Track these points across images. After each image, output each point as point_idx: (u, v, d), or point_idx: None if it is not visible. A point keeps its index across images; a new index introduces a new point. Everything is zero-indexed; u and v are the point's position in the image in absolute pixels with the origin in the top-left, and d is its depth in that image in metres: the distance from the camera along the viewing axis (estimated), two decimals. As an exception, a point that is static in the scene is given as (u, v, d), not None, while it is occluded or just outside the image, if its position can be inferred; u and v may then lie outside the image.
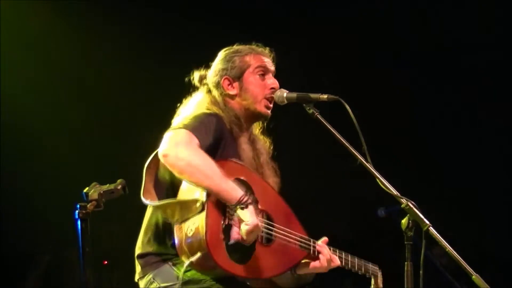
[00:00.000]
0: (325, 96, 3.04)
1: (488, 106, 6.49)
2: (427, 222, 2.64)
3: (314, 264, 3.15)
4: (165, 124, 3.19)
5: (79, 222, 2.55)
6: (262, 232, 2.93)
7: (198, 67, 3.30)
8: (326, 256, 3.14)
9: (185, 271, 2.81)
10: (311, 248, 3.13)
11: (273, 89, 3.19)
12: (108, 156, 6.05)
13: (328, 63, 6.52)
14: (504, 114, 6.44)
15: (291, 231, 3.07)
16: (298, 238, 3.09)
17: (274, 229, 3.00)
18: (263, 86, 3.18)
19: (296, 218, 3.15)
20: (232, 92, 3.17)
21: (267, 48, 3.30)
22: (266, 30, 6.05)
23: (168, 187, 2.94)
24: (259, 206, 2.90)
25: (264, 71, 3.21)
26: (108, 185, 2.68)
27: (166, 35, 6.19)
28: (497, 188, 6.64)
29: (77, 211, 2.56)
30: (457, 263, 2.58)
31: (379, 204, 4.86)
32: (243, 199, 2.79)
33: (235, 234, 2.84)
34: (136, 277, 3.06)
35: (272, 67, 3.25)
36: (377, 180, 2.79)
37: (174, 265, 2.93)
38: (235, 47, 3.26)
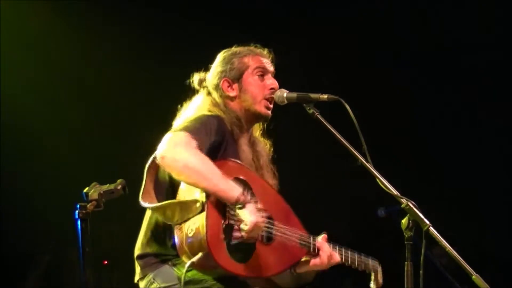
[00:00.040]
0: (325, 96, 3.04)
1: (488, 106, 6.49)
2: (427, 222, 2.64)
3: (314, 261, 3.15)
4: (165, 124, 3.19)
5: (79, 222, 2.55)
6: (263, 230, 2.93)
7: (198, 67, 3.30)
8: (326, 252, 3.14)
9: (186, 271, 2.81)
10: (311, 245, 3.13)
11: (273, 89, 3.19)
12: (108, 156, 6.06)
13: (328, 63, 6.52)
14: (504, 114, 6.44)
15: (291, 229, 3.07)
16: (298, 236, 3.09)
17: (274, 227, 3.00)
18: (262, 86, 3.19)
19: (295, 216, 3.15)
20: (232, 93, 3.18)
21: (266, 49, 3.30)
22: (266, 30, 6.05)
23: (168, 187, 2.94)
24: (258, 205, 2.90)
25: (263, 72, 3.21)
26: (108, 185, 2.68)
27: (166, 35, 6.19)
28: (497, 188, 6.64)
29: (77, 211, 2.57)
30: (457, 263, 2.58)
31: (379, 204, 4.85)
32: (241, 198, 2.80)
33: (236, 233, 2.84)
34: (136, 278, 3.06)
35: (271, 68, 3.25)
36: (377, 180, 2.79)
37: (174, 265, 2.93)
38: (234, 48, 3.26)
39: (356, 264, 3.31)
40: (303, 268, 3.18)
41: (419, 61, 6.53)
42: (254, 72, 3.20)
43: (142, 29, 6.16)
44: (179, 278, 2.86)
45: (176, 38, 6.19)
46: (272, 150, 3.33)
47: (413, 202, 2.69)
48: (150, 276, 2.97)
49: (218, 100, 3.17)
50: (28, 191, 6.01)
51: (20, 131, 5.91)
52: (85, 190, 2.64)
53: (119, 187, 2.68)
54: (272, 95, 3.18)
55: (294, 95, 3.14)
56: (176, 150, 2.79)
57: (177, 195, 2.89)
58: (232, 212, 2.84)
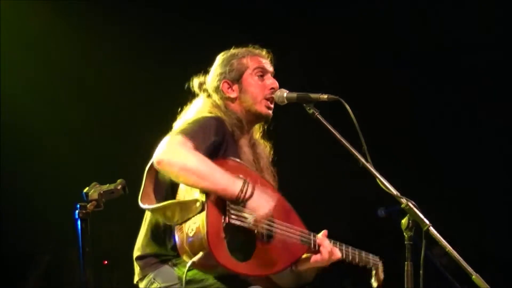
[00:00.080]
0: (325, 96, 3.04)
1: (488, 106, 6.49)
2: (427, 222, 2.64)
3: (315, 257, 3.16)
4: (165, 124, 3.19)
5: (79, 222, 2.55)
6: (263, 228, 2.93)
7: (198, 67, 3.30)
8: (327, 247, 3.14)
9: (187, 271, 2.81)
10: (312, 241, 3.13)
11: (273, 89, 3.19)
12: (108, 156, 6.06)
13: (328, 63, 6.52)
14: (504, 114, 6.44)
15: (291, 226, 3.08)
16: (299, 233, 3.10)
17: (275, 225, 3.00)
18: (262, 86, 3.19)
19: (295, 214, 3.16)
20: (232, 95, 3.18)
21: (265, 50, 3.31)
22: (266, 30, 6.05)
23: (168, 188, 2.94)
24: (265, 191, 2.92)
25: (262, 72, 3.22)
26: (108, 185, 2.68)
27: (166, 35, 6.19)
28: (497, 188, 6.64)
29: (77, 211, 2.57)
30: (457, 263, 2.58)
31: (379, 204, 4.85)
32: (241, 195, 2.81)
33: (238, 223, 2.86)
34: (135, 278, 3.06)
35: (270, 68, 3.26)
36: (377, 180, 2.79)
37: (174, 265, 2.94)
38: (232, 50, 3.27)
39: (356, 260, 3.32)
40: (304, 265, 3.18)
41: (419, 61, 6.53)
42: (253, 73, 3.20)
43: (142, 29, 6.16)
44: (179, 278, 2.87)
45: (176, 38, 6.19)
46: (272, 152, 3.34)
47: (413, 202, 2.69)
48: (150, 276, 2.97)
49: (219, 102, 3.18)
50: (28, 191, 6.01)
51: (20, 131, 5.91)
52: (85, 190, 2.64)
53: (119, 187, 2.68)
54: (272, 95, 3.18)
55: (294, 95, 3.14)
56: (172, 153, 2.79)
57: (177, 195, 2.90)
58: (233, 211, 2.84)
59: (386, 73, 6.50)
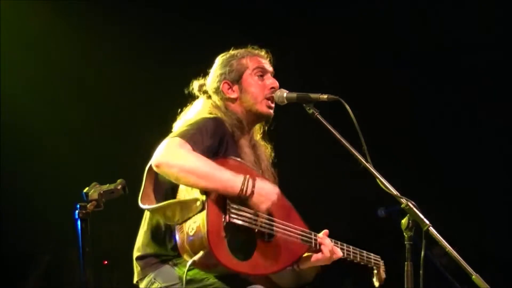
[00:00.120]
0: (325, 96, 3.04)
1: (488, 106, 6.49)
2: (427, 222, 2.64)
3: (316, 256, 3.16)
4: (165, 124, 3.19)
5: (79, 222, 2.55)
6: (263, 227, 2.94)
7: (198, 67, 3.31)
8: (328, 246, 3.15)
9: (188, 270, 2.81)
10: (313, 241, 3.14)
11: (273, 88, 3.20)
12: (108, 156, 6.05)
13: (328, 63, 6.52)
14: (504, 114, 6.44)
15: (292, 225, 3.08)
16: (299, 232, 3.10)
17: (275, 224, 3.01)
18: (262, 86, 3.19)
19: (296, 213, 3.16)
20: (233, 95, 3.18)
21: (264, 50, 3.31)
22: (266, 30, 6.05)
23: (168, 188, 2.94)
24: (266, 181, 2.92)
25: (262, 72, 3.22)
26: (108, 185, 2.68)
27: (166, 35, 6.19)
28: (497, 188, 6.64)
29: (77, 211, 2.56)
30: (457, 263, 2.58)
31: (379, 204, 4.86)
32: (242, 192, 2.81)
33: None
34: (135, 279, 3.05)
35: (270, 68, 3.26)
36: (377, 180, 2.79)
37: (175, 265, 2.94)
38: (231, 51, 3.28)
39: (358, 259, 3.33)
40: (305, 264, 3.18)
41: (419, 61, 6.54)
42: (253, 73, 3.20)
43: (142, 29, 6.16)
44: (180, 278, 2.87)
45: (176, 38, 6.19)
46: (272, 154, 3.34)
47: (413, 202, 2.69)
48: (150, 276, 2.97)
49: (219, 102, 3.18)
50: (28, 191, 6.01)
51: (20, 131, 5.91)
52: (85, 190, 2.64)
53: (119, 187, 2.68)
54: (273, 94, 3.18)
55: (294, 95, 3.14)
56: (170, 155, 2.80)
57: (177, 195, 2.90)
58: (232, 210, 2.84)
59: (386, 73, 6.50)
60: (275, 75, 3.27)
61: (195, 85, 3.28)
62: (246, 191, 2.82)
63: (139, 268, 3.03)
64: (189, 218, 2.81)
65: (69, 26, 6.02)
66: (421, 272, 2.63)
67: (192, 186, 2.82)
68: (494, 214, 6.67)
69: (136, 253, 3.05)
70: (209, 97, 3.23)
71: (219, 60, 3.27)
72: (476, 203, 6.64)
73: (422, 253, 2.63)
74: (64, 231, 4.49)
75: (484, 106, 6.50)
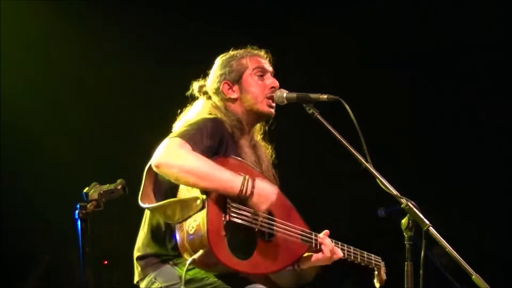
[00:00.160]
0: (325, 96, 3.05)
1: (488, 106, 6.49)
2: (427, 222, 2.64)
3: (317, 256, 3.17)
4: (165, 124, 3.19)
5: (79, 222, 2.55)
6: (263, 227, 2.94)
7: (198, 67, 3.31)
8: (329, 246, 3.15)
9: (188, 270, 2.81)
10: (313, 241, 3.14)
11: (273, 88, 3.20)
12: (108, 156, 6.05)
13: (328, 63, 6.52)
14: (504, 114, 6.44)
15: (292, 225, 3.08)
16: (300, 232, 3.10)
17: (275, 223, 3.01)
18: (263, 86, 3.19)
19: (297, 212, 3.16)
20: (233, 95, 3.18)
21: (263, 50, 3.31)
22: (266, 30, 6.05)
23: (168, 187, 2.94)
24: (265, 182, 2.92)
25: (262, 72, 3.23)
26: (108, 185, 2.68)
27: (166, 35, 6.19)
28: (497, 188, 6.64)
29: (77, 211, 2.56)
30: (457, 263, 2.58)
31: (379, 204, 4.86)
32: (241, 193, 2.81)
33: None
34: (136, 279, 3.06)
35: (270, 68, 3.27)
36: (377, 180, 2.79)
37: (175, 264, 2.94)
38: (231, 52, 3.28)
39: (358, 259, 3.33)
40: (306, 264, 3.19)
41: (419, 61, 6.53)
42: (253, 73, 3.21)
43: (142, 29, 6.15)
44: (180, 277, 2.86)
45: (176, 38, 6.19)
46: (273, 154, 3.34)
47: (413, 202, 2.69)
48: (151, 276, 2.97)
49: (219, 103, 3.18)
50: (28, 191, 6.01)
51: (20, 131, 5.91)
52: (85, 190, 2.64)
53: (119, 187, 2.68)
54: (273, 94, 3.18)
55: (293, 95, 3.14)
56: (170, 155, 2.80)
57: (178, 194, 2.90)
58: (232, 209, 2.85)
59: (386, 73, 6.50)
60: (275, 75, 3.27)
61: (195, 86, 3.28)
62: (245, 191, 2.83)
63: (139, 268, 3.03)
64: (189, 216, 2.81)
65: (69, 26, 6.02)
66: (421, 272, 2.63)
67: (192, 186, 2.82)
68: (494, 214, 6.67)
69: (136, 253, 3.05)
70: (209, 97, 3.23)
71: (218, 60, 3.27)
72: (476, 203, 6.64)
73: (422, 253, 2.63)
74: (64, 231, 4.49)
75: (484, 106, 6.50)
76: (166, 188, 2.94)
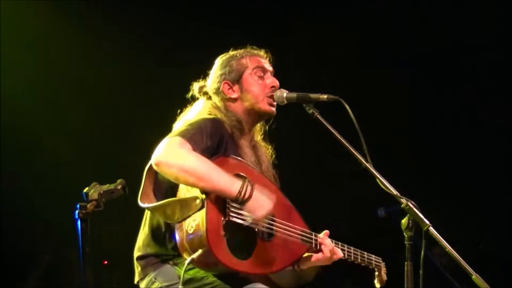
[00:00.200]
0: (325, 96, 3.05)
1: (488, 106, 6.49)
2: (427, 222, 2.64)
3: (317, 256, 3.17)
4: (165, 124, 3.19)
5: (79, 222, 2.55)
6: (263, 227, 2.94)
7: (198, 67, 3.31)
8: (329, 246, 3.15)
9: (187, 270, 2.81)
10: (313, 241, 3.14)
11: (273, 87, 3.20)
12: (108, 156, 6.05)
13: (328, 63, 6.52)
14: (504, 114, 6.44)
15: (292, 225, 3.08)
16: (300, 232, 3.10)
17: (275, 223, 3.01)
18: (263, 85, 3.20)
19: (297, 213, 3.16)
20: (233, 95, 3.18)
21: (263, 50, 3.32)
22: (266, 30, 6.05)
23: (168, 187, 2.94)
24: (264, 192, 2.92)
25: (262, 71, 3.23)
26: (108, 185, 2.68)
27: (166, 35, 6.19)
28: (497, 188, 6.64)
29: (77, 211, 2.56)
30: (457, 263, 2.58)
31: (379, 204, 4.86)
32: (239, 196, 2.81)
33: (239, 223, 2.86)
34: (136, 278, 3.06)
35: (270, 67, 3.27)
36: (377, 180, 2.79)
37: (175, 264, 2.94)
38: (231, 52, 3.28)
39: (359, 260, 3.33)
40: (306, 264, 3.19)
41: (419, 61, 6.53)
42: (253, 72, 3.21)
43: (142, 29, 6.15)
44: (180, 277, 2.86)
45: (176, 38, 6.19)
46: (273, 155, 3.34)
47: (413, 202, 2.69)
48: (151, 276, 2.97)
49: (219, 103, 3.18)
50: (28, 191, 6.00)
51: (20, 131, 5.91)
52: (85, 190, 2.64)
53: (119, 187, 2.68)
54: (273, 93, 3.18)
55: (293, 95, 3.14)
56: (170, 154, 2.80)
57: (177, 194, 2.90)
58: (232, 209, 2.85)
59: (386, 73, 6.50)
60: (275, 75, 3.27)
61: (195, 86, 3.28)
62: (243, 196, 2.82)
63: (139, 268, 3.03)
64: (189, 216, 2.81)
65: (69, 26, 6.02)
66: (421, 272, 2.63)
67: (191, 186, 2.82)
68: (494, 214, 6.67)
69: (136, 253, 3.05)
70: (209, 98, 3.23)
71: (218, 61, 3.27)
72: (476, 203, 6.64)
73: (422, 253, 2.63)
74: (64, 231, 4.49)
75: (484, 106, 6.50)
76: (166, 188, 2.95)
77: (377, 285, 3.41)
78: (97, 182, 2.69)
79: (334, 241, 3.21)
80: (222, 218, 2.83)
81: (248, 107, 3.17)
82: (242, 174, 2.95)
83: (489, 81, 6.50)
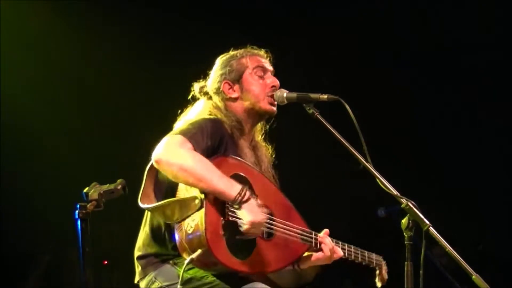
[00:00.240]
0: (325, 96, 3.05)
1: (488, 106, 6.49)
2: (427, 222, 2.64)
3: (317, 255, 3.17)
4: (165, 124, 3.19)
5: (79, 222, 2.55)
6: (263, 226, 2.94)
7: (198, 67, 3.31)
8: (329, 245, 3.15)
9: (187, 269, 2.81)
10: (313, 240, 3.14)
11: (274, 87, 3.20)
12: (108, 156, 6.05)
13: (328, 63, 6.52)
14: (504, 114, 6.44)
15: (292, 224, 3.08)
16: (299, 231, 3.10)
17: (275, 223, 3.01)
18: (263, 85, 3.20)
19: (296, 212, 3.16)
20: (234, 95, 3.19)
21: (263, 50, 3.32)
22: (266, 30, 6.05)
23: (168, 187, 2.94)
24: (258, 201, 2.91)
25: (262, 71, 3.23)
26: (108, 185, 2.68)
27: (166, 35, 6.19)
28: (497, 188, 6.64)
29: (77, 211, 2.56)
30: (457, 263, 2.58)
31: (379, 204, 4.86)
32: (239, 198, 2.80)
33: (238, 230, 2.85)
34: (136, 278, 3.06)
35: (270, 67, 3.27)
36: (377, 180, 2.79)
37: (175, 264, 2.94)
38: (231, 52, 3.28)
39: (359, 259, 3.33)
40: (306, 263, 3.19)
41: (419, 61, 6.53)
42: (253, 72, 3.21)
43: (142, 29, 6.15)
44: (179, 277, 2.86)
45: (176, 38, 6.19)
46: (274, 156, 3.34)
47: (413, 202, 2.69)
48: (151, 276, 2.98)
49: (219, 103, 3.18)
50: (28, 191, 6.00)
51: (20, 131, 5.90)
52: (85, 190, 2.64)
53: (119, 187, 2.67)
54: (274, 93, 3.18)
55: (294, 95, 3.14)
56: (171, 153, 2.80)
57: (177, 194, 2.90)
58: (231, 209, 2.85)
59: (386, 73, 6.50)
60: (276, 75, 3.27)
61: (195, 87, 3.28)
62: (240, 200, 2.81)
63: (140, 267, 3.03)
64: (188, 216, 2.81)
65: (69, 26, 6.02)
66: (421, 272, 2.63)
67: (190, 185, 2.83)
68: (494, 214, 6.67)
69: (137, 253, 3.06)
70: (210, 98, 3.23)
71: (219, 61, 3.27)
72: (476, 203, 6.64)
73: (422, 253, 2.63)
74: (64, 231, 4.49)
75: (484, 106, 6.50)
76: (166, 188, 2.95)
77: (378, 284, 3.41)
78: (97, 182, 2.69)
79: (334, 240, 3.21)
80: (221, 218, 2.83)
81: (249, 106, 3.17)
82: (242, 174, 2.94)
83: (489, 81, 6.50)
